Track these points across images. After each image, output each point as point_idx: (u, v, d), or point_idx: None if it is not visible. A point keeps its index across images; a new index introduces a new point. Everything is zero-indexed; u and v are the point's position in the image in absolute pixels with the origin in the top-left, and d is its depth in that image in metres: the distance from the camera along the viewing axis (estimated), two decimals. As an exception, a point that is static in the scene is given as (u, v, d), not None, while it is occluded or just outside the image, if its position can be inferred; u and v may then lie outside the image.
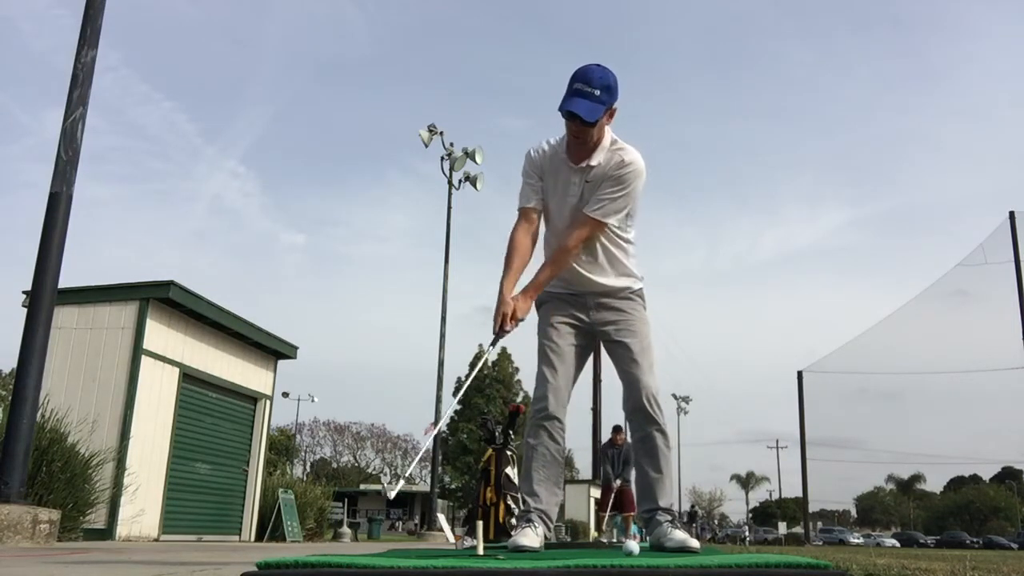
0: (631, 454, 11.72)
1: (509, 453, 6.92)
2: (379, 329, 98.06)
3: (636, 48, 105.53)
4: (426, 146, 21.91)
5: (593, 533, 25.62)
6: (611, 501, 11.54)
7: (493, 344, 3.22)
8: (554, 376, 3.23)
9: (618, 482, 11.65)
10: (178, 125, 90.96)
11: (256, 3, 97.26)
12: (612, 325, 3.26)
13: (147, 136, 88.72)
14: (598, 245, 3.25)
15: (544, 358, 3.27)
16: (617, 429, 12.01)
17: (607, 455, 11.90)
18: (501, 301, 3.11)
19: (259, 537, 12.54)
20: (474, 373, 3.25)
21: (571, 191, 3.20)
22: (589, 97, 2.98)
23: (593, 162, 3.14)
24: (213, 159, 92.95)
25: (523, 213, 3.27)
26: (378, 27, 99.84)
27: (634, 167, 3.15)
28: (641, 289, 3.37)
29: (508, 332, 3.13)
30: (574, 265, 3.27)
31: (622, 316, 3.28)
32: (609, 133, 3.17)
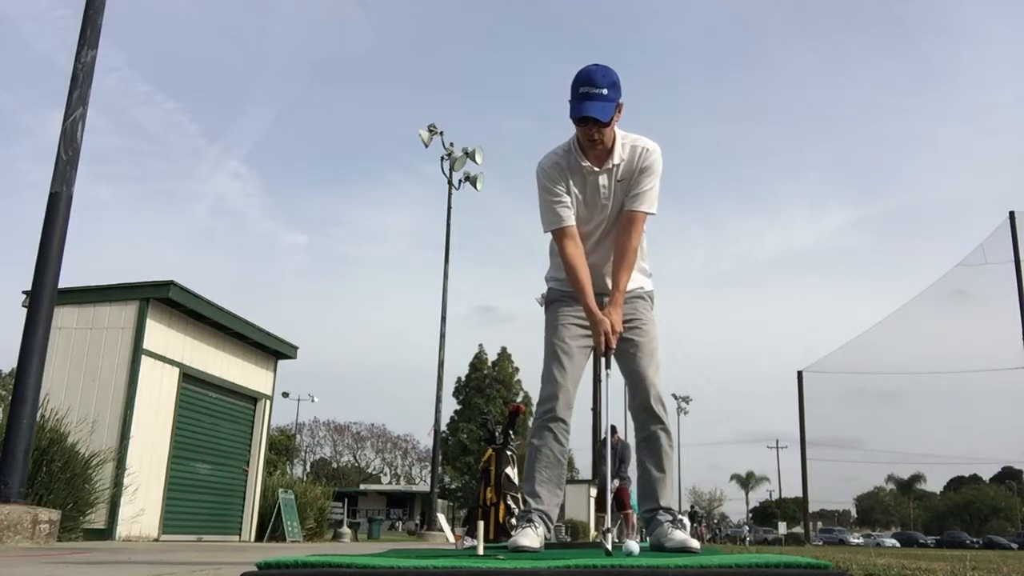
0: (627, 453, 11.76)
1: (509, 453, 6.92)
2: (379, 329, 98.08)
3: (638, 48, 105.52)
4: (426, 146, 21.89)
5: (593, 533, 25.62)
6: (609, 501, 11.51)
7: (608, 366, 3.12)
8: (563, 376, 3.20)
9: (616, 482, 11.63)
10: (180, 126, 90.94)
11: (259, 4, 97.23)
12: (625, 325, 3.23)
13: (149, 137, 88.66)
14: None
15: (553, 357, 3.23)
16: (613, 429, 11.99)
17: (603, 455, 11.88)
18: (597, 321, 3.08)
19: (259, 537, 12.54)
20: (604, 401, 3.13)
21: (602, 194, 3.19)
22: (598, 98, 2.98)
23: (616, 160, 3.15)
24: (215, 159, 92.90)
25: (565, 232, 3.18)
26: (380, 28, 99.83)
27: (656, 151, 3.19)
28: (652, 291, 3.41)
29: (614, 348, 3.11)
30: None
31: (634, 315, 3.28)
32: (617, 129, 3.17)
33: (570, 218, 3.19)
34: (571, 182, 3.19)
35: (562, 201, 3.18)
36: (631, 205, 3.17)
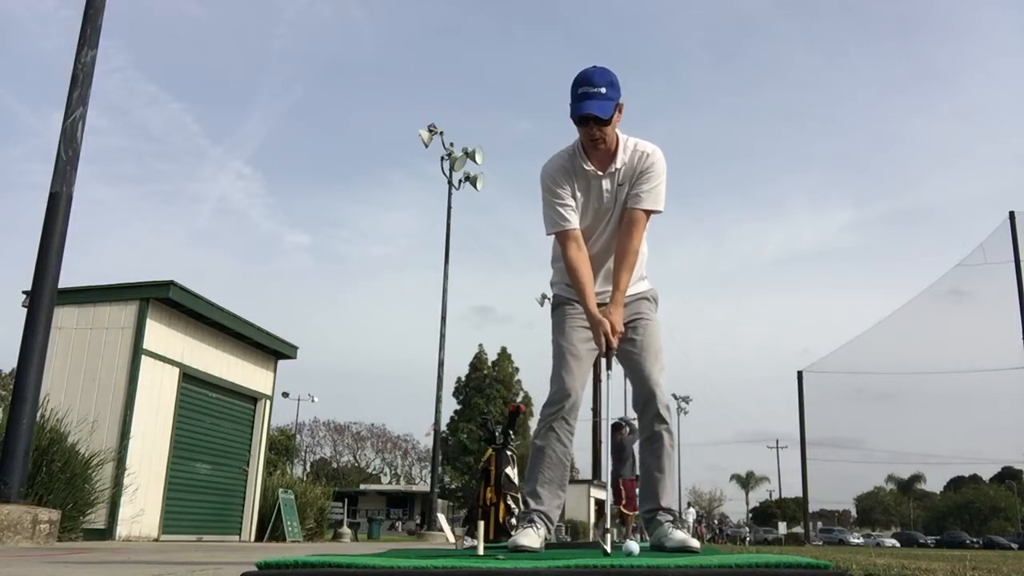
0: (623, 447, 11.75)
1: (509, 453, 6.91)
2: (379, 329, 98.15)
3: (640, 48, 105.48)
4: (426, 146, 21.87)
5: (592, 533, 25.60)
6: (616, 496, 11.49)
7: (609, 367, 3.09)
8: (571, 379, 3.21)
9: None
10: (185, 126, 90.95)
11: (263, 5, 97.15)
12: (628, 326, 3.24)
13: (153, 137, 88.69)
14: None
15: (561, 359, 3.24)
16: (617, 427, 11.98)
17: (612, 452, 11.87)
18: (597, 322, 3.06)
19: (259, 537, 12.54)
20: (604, 407, 3.20)
21: (605, 198, 3.20)
22: (596, 96, 3.02)
23: (618, 164, 3.17)
24: (219, 160, 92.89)
25: (568, 235, 3.18)
26: (383, 29, 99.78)
27: (656, 153, 3.20)
28: (653, 289, 3.43)
29: (616, 348, 3.09)
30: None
31: (638, 318, 3.30)
32: (619, 133, 3.19)
33: (574, 221, 3.19)
34: (575, 185, 3.20)
35: (566, 204, 3.19)
36: (630, 204, 3.18)
